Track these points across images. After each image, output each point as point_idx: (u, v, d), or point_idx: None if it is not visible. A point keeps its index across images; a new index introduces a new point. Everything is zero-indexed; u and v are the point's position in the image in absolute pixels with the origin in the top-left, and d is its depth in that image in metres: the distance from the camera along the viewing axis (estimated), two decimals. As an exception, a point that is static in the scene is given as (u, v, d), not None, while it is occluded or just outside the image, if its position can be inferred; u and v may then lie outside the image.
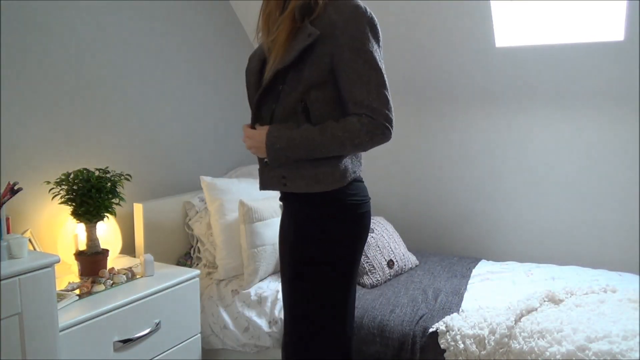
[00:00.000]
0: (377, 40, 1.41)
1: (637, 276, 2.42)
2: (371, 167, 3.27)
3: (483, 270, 2.58)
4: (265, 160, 1.49)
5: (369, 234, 2.56)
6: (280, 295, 2.27)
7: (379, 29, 1.42)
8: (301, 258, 1.52)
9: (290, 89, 1.41)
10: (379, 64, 1.40)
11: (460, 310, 2.11)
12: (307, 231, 1.50)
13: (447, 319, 2.02)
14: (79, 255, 2.05)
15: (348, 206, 1.49)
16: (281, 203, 1.61)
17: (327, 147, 1.40)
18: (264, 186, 1.52)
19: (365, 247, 2.48)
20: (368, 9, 1.40)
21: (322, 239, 1.49)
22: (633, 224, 2.66)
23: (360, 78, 1.38)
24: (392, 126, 1.41)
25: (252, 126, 1.52)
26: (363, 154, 1.57)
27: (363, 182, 1.57)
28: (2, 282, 1.43)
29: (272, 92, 1.45)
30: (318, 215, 1.48)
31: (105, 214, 2.05)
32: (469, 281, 2.44)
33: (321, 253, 1.49)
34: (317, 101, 1.42)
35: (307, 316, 1.54)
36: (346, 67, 1.38)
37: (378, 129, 1.38)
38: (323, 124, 1.42)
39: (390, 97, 1.41)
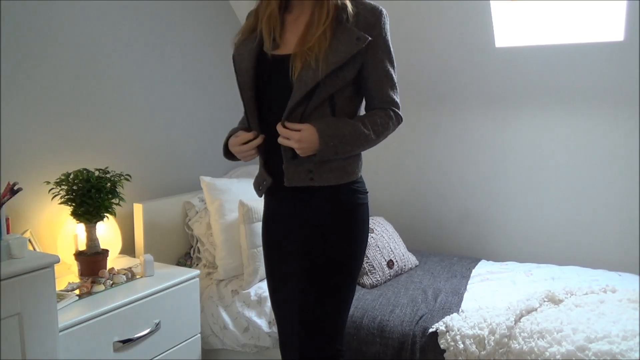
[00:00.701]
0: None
1: (637, 276, 2.42)
2: (371, 167, 3.27)
3: (483, 270, 2.58)
4: (292, 156, 1.47)
5: (369, 234, 2.56)
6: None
7: None
8: (340, 252, 1.52)
9: (328, 87, 1.44)
10: (395, 61, 1.55)
11: (460, 310, 2.11)
12: (341, 225, 1.52)
13: (447, 319, 2.02)
14: (79, 255, 2.05)
15: (364, 195, 1.57)
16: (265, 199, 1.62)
17: (370, 140, 1.49)
18: (290, 181, 1.50)
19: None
20: (384, 10, 1.51)
21: (357, 231, 1.55)
22: (633, 224, 2.65)
23: (387, 77, 1.52)
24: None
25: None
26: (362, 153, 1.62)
27: None
28: (2, 282, 1.43)
29: (313, 92, 1.45)
30: (347, 208, 1.52)
31: (105, 214, 2.05)
32: (469, 281, 2.44)
33: (358, 245, 1.56)
34: (342, 98, 1.49)
35: (340, 313, 1.55)
36: (378, 67, 1.50)
37: (399, 120, 1.56)
38: (359, 117, 1.51)
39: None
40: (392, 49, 1.52)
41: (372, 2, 1.49)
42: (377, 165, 3.16)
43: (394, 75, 1.54)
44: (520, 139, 2.88)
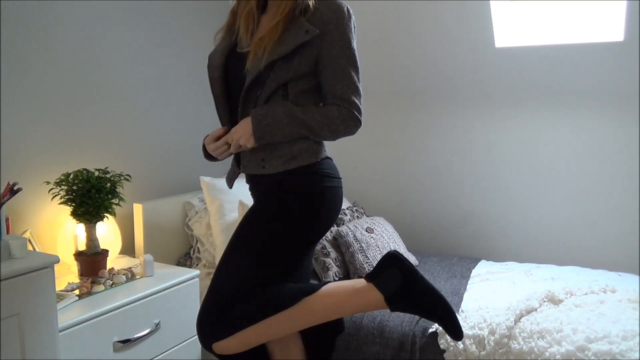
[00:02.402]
0: (355, 39, 1.55)
1: (637, 276, 2.41)
2: (371, 167, 3.28)
3: (483, 270, 2.58)
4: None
5: (369, 234, 2.56)
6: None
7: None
8: (263, 226, 1.52)
9: (278, 77, 1.48)
10: (358, 62, 1.53)
11: (460, 310, 2.11)
12: (277, 205, 1.53)
13: (446, 319, 2.01)
14: (79, 255, 2.05)
15: (320, 178, 1.54)
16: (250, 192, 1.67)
17: (307, 126, 1.49)
18: (245, 169, 1.60)
19: (365, 247, 2.47)
20: (350, 9, 1.52)
21: (288, 209, 1.52)
22: (633, 224, 2.65)
23: (342, 74, 1.50)
24: (361, 120, 1.55)
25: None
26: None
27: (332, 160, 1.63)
28: (2, 282, 1.43)
29: (258, 81, 1.50)
30: (289, 191, 1.52)
31: (105, 214, 2.05)
32: (469, 281, 2.44)
33: (283, 219, 1.52)
34: (297, 90, 1.51)
35: (259, 273, 1.51)
36: (332, 63, 1.49)
37: (352, 120, 1.52)
38: (304, 106, 1.52)
39: (362, 93, 1.55)
40: (353, 49, 1.51)
41: (342, 2, 1.50)
42: (377, 165, 3.15)
43: (352, 75, 1.51)
44: (521, 138, 2.88)
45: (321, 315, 1.50)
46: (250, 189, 1.68)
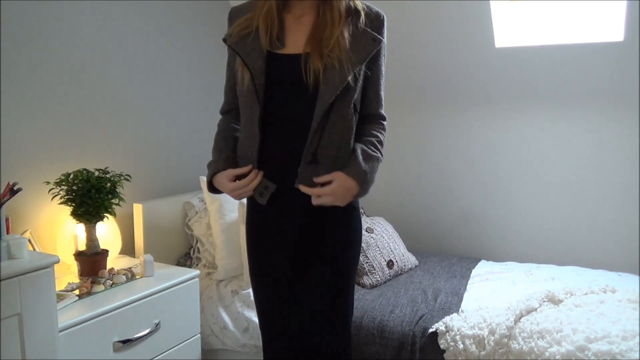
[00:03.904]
0: None
1: (637, 276, 2.42)
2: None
3: (483, 270, 2.58)
4: (310, 160, 1.44)
5: (369, 234, 2.56)
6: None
7: None
8: (347, 257, 1.54)
9: (353, 89, 1.44)
10: None
11: (460, 310, 2.11)
12: (339, 228, 1.53)
13: (446, 319, 2.02)
14: (79, 255, 2.05)
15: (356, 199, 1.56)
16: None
17: (379, 162, 1.52)
18: (301, 182, 1.46)
19: (365, 247, 2.48)
20: None
21: (353, 233, 1.56)
22: (633, 224, 2.65)
23: (380, 89, 1.53)
24: None
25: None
26: None
27: None
28: (2, 282, 1.43)
29: (346, 94, 1.43)
30: (343, 211, 1.50)
31: (105, 214, 2.05)
32: (469, 281, 2.44)
33: (354, 247, 1.57)
34: (359, 99, 1.49)
35: (348, 316, 1.58)
36: (378, 72, 1.51)
37: (385, 132, 1.58)
38: (367, 141, 1.50)
39: None
40: None
41: (373, 6, 1.50)
42: (377, 166, 3.15)
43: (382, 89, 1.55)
44: (521, 139, 2.88)
45: None
46: (284, 204, 1.49)
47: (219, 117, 1.66)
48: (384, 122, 1.56)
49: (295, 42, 1.46)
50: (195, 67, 2.81)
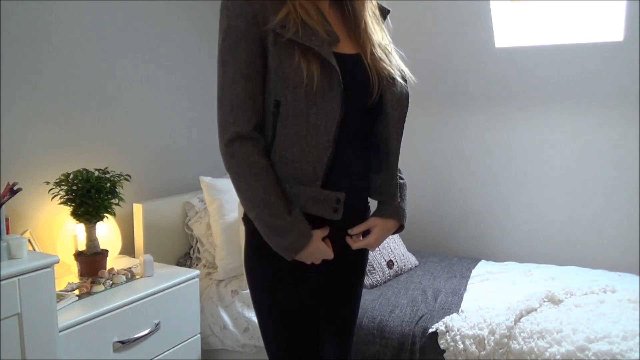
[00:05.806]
0: None
1: (637, 276, 2.41)
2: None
3: (483, 270, 2.58)
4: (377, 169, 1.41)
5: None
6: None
7: None
8: (365, 259, 1.51)
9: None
10: None
11: (460, 310, 2.11)
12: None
13: (446, 319, 2.02)
14: (79, 255, 2.05)
15: None
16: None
17: None
18: (376, 196, 1.41)
19: (365, 248, 2.48)
20: None
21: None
22: (633, 224, 2.65)
23: None
24: None
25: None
26: None
27: None
28: (2, 282, 1.43)
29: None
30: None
31: (105, 214, 2.05)
32: (469, 281, 2.44)
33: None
34: None
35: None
36: None
37: None
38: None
39: None
40: None
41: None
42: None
43: None
44: (520, 139, 2.88)
45: None
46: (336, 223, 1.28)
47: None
48: None
49: (344, 40, 1.26)
50: (195, 67, 2.81)
